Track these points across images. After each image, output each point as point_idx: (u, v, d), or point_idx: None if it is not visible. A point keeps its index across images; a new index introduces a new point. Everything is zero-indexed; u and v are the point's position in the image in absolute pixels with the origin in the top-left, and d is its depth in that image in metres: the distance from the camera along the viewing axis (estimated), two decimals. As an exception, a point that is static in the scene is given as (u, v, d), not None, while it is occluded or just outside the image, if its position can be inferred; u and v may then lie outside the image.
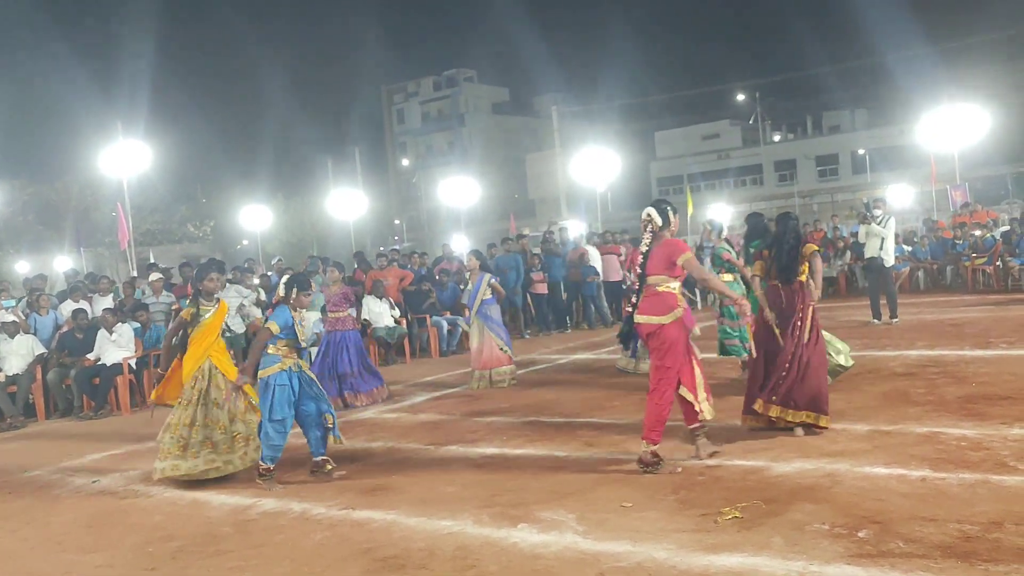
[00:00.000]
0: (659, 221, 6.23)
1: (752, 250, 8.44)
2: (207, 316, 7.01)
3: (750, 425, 6.87)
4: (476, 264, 10.88)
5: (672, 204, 6.41)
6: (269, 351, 6.59)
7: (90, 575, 5.16)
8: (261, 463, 6.62)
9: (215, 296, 7.15)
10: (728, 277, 9.14)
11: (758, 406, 6.72)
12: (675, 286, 6.14)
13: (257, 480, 6.60)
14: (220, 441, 6.82)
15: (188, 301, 7.20)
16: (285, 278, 6.84)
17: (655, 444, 5.98)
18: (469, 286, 10.91)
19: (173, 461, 6.77)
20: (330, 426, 6.69)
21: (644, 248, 6.25)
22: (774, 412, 6.65)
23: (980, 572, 3.94)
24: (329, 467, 6.70)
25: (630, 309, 6.18)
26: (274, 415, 6.53)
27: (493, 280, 10.80)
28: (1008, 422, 6.43)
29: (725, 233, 10.08)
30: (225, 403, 6.82)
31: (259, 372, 6.61)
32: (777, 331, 6.75)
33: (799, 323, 6.72)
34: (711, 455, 6.14)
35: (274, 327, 6.55)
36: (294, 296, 6.69)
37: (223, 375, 6.95)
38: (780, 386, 6.62)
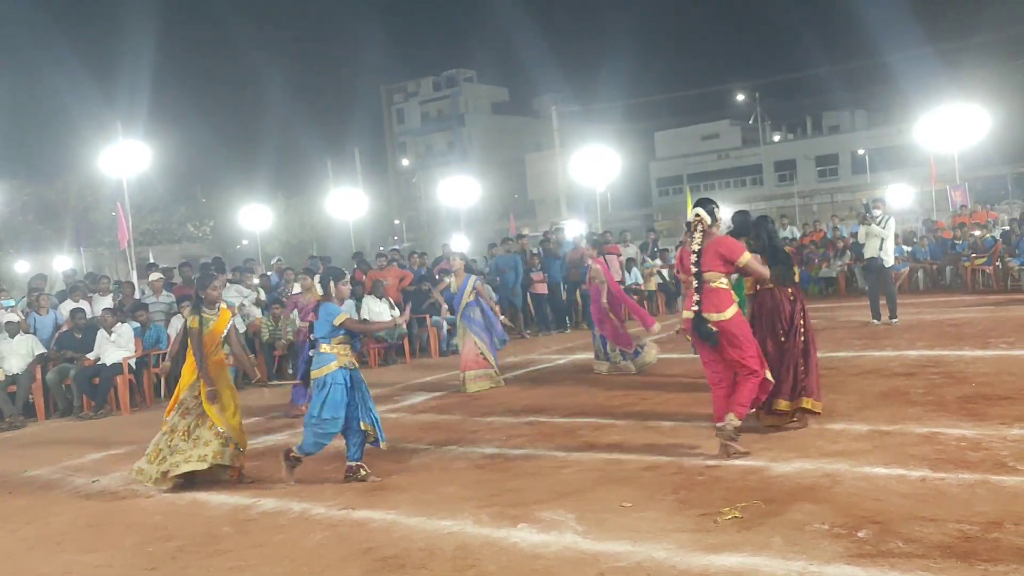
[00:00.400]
0: (708, 220, 6.39)
1: None
2: (210, 325, 6.95)
3: (769, 423, 6.95)
4: (461, 265, 10.81)
5: (716, 202, 6.59)
6: (323, 349, 6.52)
7: (90, 575, 5.16)
8: (295, 449, 6.59)
9: (217, 305, 7.09)
10: None
11: (784, 405, 6.84)
12: (725, 282, 6.37)
13: (283, 462, 6.59)
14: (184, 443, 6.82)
15: (190, 309, 7.14)
16: (318, 277, 6.81)
17: (742, 419, 6.26)
18: (453, 288, 10.80)
19: (145, 465, 6.83)
20: (368, 433, 6.60)
21: (696, 247, 6.35)
22: (807, 404, 6.84)
23: (979, 572, 3.94)
24: (363, 472, 6.56)
25: (696, 308, 6.27)
26: (324, 413, 6.45)
27: (479, 282, 10.74)
28: (1007, 422, 6.44)
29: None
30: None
31: (313, 372, 6.54)
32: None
33: (801, 321, 6.95)
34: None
35: (345, 316, 6.54)
36: (334, 289, 6.67)
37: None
38: (800, 381, 6.82)
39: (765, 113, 61.58)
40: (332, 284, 6.69)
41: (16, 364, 11.30)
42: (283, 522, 5.75)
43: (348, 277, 6.94)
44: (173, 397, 7.10)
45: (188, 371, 6.97)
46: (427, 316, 14.99)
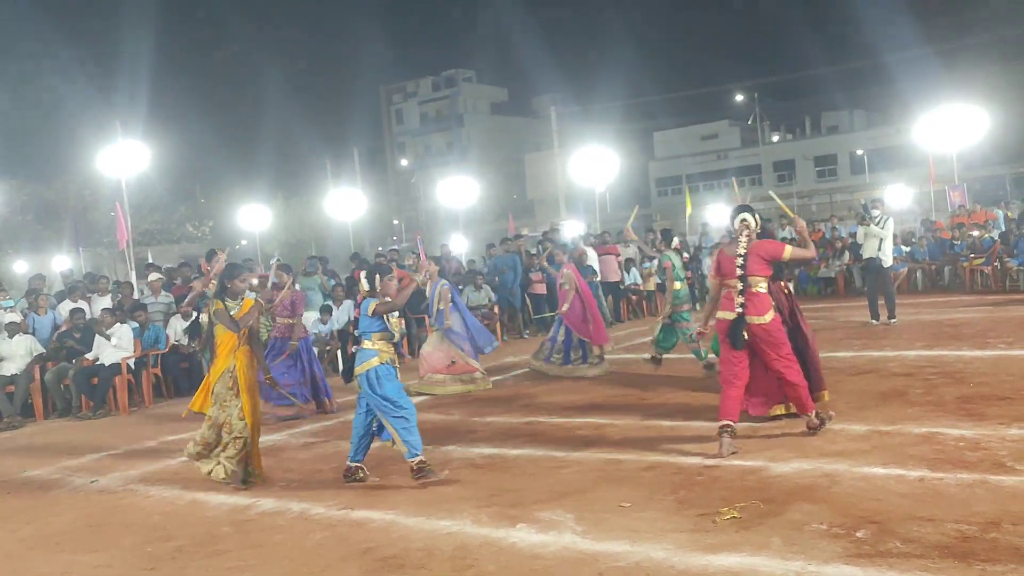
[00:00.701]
0: (753, 224, 6.61)
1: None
2: (232, 314, 6.73)
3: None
4: (435, 270, 10.66)
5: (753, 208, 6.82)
6: (365, 345, 6.45)
7: (89, 575, 5.17)
8: (412, 460, 6.28)
9: (240, 297, 6.87)
10: (677, 285, 10.21)
11: (826, 395, 7.14)
12: (764, 286, 6.55)
13: (415, 479, 6.24)
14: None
15: (214, 293, 6.95)
16: (364, 273, 6.72)
17: (814, 408, 6.63)
18: (428, 291, 10.73)
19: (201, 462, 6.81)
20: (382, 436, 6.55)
21: (743, 251, 6.47)
22: (824, 396, 7.13)
23: (977, 572, 3.95)
24: (362, 474, 6.51)
25: (740, 310, 6.39)
26: (402, 402, 6.36)
27: (444, 287, 10.56)
28: (1006, 422, 6.45)
29: (676, 243, 10.78)
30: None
31: (357, 368, 6.45)
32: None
33: (800, 315, 7.27)
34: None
35: (375, 303, 6.47)
36: (379, 285, 6.57)
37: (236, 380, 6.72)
38: (818, 373, 7.08)
39: (764, 113, 61.62)
40: (378, 279, 6.58)
41: (15, 364, 11.30)
42: (282, 522, 5.75)
43: (394, 273, 6.84)
44: (201, 388, 6.92)
45: (220, 363, 6.77)
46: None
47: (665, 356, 10.37)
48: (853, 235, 16.31)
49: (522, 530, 5.09)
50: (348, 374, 6.55)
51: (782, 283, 7.29)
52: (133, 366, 11.60)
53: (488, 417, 8.68)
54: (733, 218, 6.72)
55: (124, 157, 17.91)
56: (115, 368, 11.28)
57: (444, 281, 10.76)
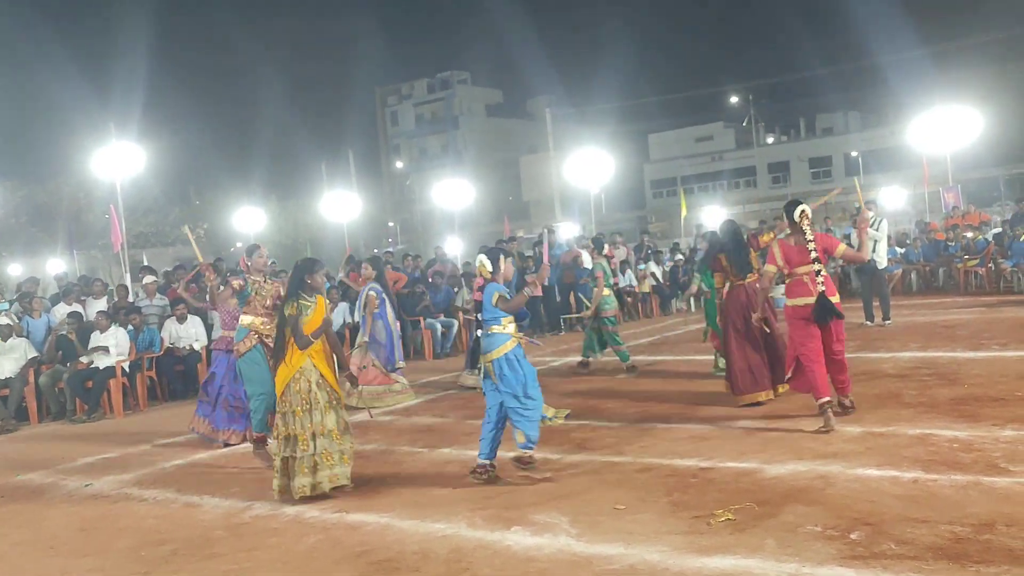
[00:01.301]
0: (811, 217, 7.27)
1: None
2: (307, 313, 6.36)
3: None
4: (372, 274, 10.24)
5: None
6: (495, 330, 6.16)
7: (83, 579, 5.15)
8: (525, 451, 6.13)
9: (315, 293, 6.53)
10: (607, 291, 10.86)
11: (782, 388, 7.95)
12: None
13: (520, 471, 6.16)
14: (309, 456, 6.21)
15: (287, 295, 6.50)
16: (486, 255, 6.34)
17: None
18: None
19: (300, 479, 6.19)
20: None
21: (812, 238, 7.07)
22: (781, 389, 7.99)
23: (971, 573, 3.95)
24: (491, 473, 6.23)
25: (822, 289, 6.98)
26: (530, 391, 6.12)
27: (371, 292, 10.14)
28: (1000, 424, 6.46)
29: (607, 250, 10.93)
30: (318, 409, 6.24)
31: (488, 355, 6.15)
32: (766, 327, 7.97)
33: (771, 313, 8.16)
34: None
35: (498, 294, 6.17)
36: (503, 266, 6.28)
37: (323, 378, 6.35)
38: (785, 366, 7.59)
39: (759, 115, 61.75)
40: (502, 260, 6.30)
41: (9, 368, 11.28)
42: (276, 525, 5.74)
43: (513, 257, 6.60)
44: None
45: (284, 372, 6.33)
46: (421, 319, 14.99)
47: (663, 359, 10.38)
48: (847, 236, 16.34)
49: (517, 533, 5.09)
50: (475, 361, 6.29)
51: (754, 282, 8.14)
52: (128, 369, 11.57)
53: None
54: (791, 212, 7.20)
55: (118, 159, 17.88)
56: (110, 371, 11.25)
57: (375, 286, 10.25)
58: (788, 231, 7.39)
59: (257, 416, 7.61)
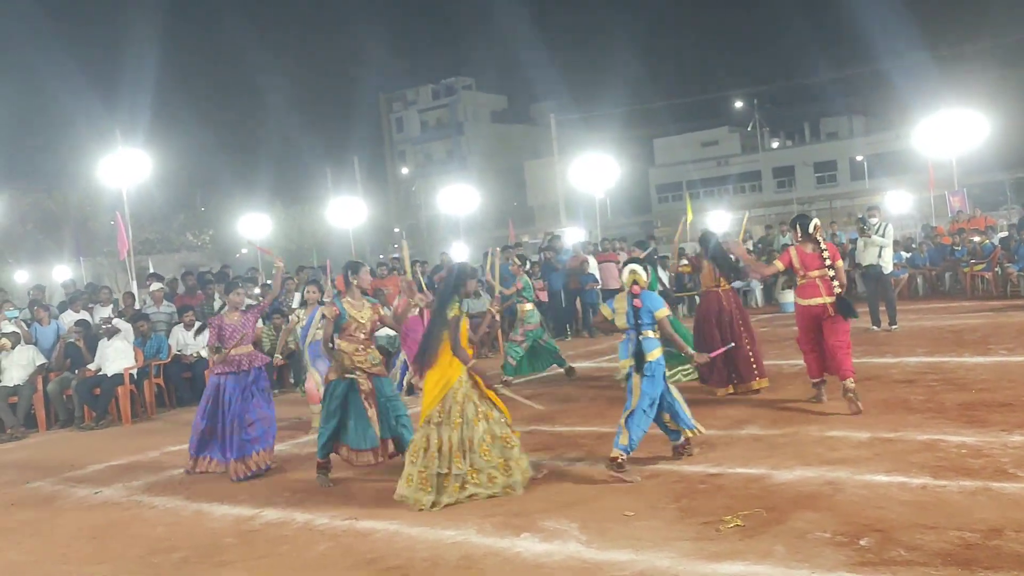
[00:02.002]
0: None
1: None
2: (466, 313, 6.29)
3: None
4: (316, 297, 9.68)
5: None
6: (650, 335, 6.43)
7: (94, 586, 5.18)
8: (622, 454, 6.17)
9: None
10: (529, 306, 11.37)
11: (731, 389, 8.92)
12: None
13: (611, 472, 6.14)
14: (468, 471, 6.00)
15: (446, 299, 6.26)
16: (638, 263, 6.68)
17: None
18: (302, 321, 9.62)
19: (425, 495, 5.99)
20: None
21: (825, 246, 8.03)
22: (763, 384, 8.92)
23: (981, 580, 3.96)
24: (689, 448, 6.59)
25: (839, 291, 7.89)
26: (652, 405, 6.38)
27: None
28: (1008, 429, 6.45)
29: (527, 266, 11.54)
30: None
31: (650, 354, 6.36)
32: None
33: (741, 319, 9.09)
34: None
35: (666, 312, 6.56)
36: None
37: (475, 386, 6.18)
38: (748, 366, 8.88)
39: (764, 120, 61.66)
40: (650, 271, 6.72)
41: (17, 375, 11.32)
42: (287, 533, 5.76)
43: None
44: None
45: (440, 378, 6.13)
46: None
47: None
48: (853, 241, 16.32)
49: (526, 539, 5.10)
50: (641, 361, 6.36)
51: (728, 289, 9.20)
52: (135, 376, 11.61)
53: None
54: (806, 225, 8.15)
55: (125, 166, 17.94)
56: (117, 378, 11.29)
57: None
58: (799, 240, 8.20)
59: (320, 441, 6.96)
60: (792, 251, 8.16)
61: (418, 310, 10.46)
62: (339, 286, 10.54)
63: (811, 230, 8.11)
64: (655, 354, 6.37)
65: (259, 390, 7.76)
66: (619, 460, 6.16)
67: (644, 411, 6.32)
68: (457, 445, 5.98)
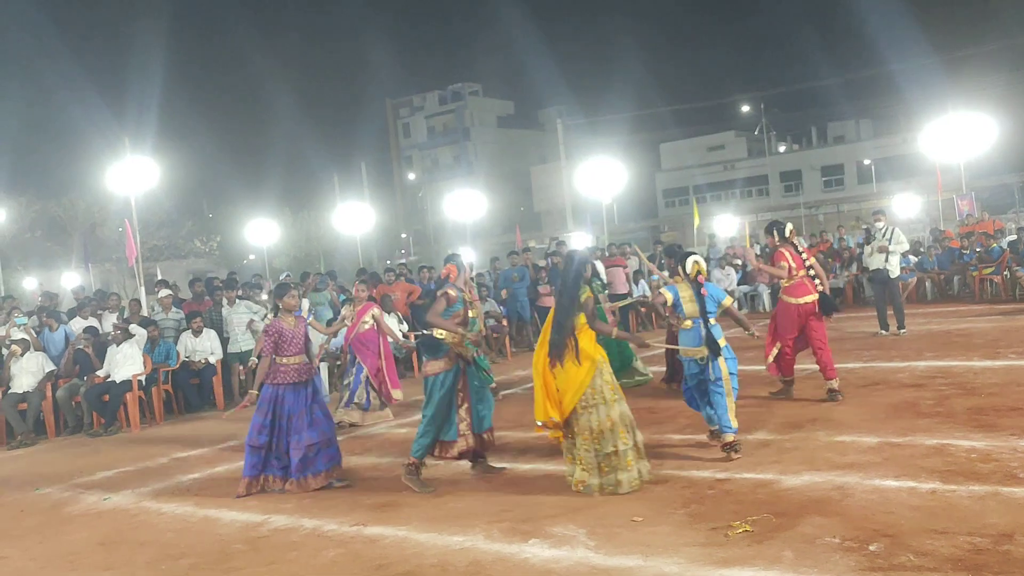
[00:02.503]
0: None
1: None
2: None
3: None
4: (364, 296, 10.01)
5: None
6: (715, 323, 6.89)
7: (104, 593, 5.19)
8: (727, 435, 6.66)
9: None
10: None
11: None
12: None
13: (730, 454, 6.60)
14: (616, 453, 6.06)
15: (576, 284, 6.28)
16: (694, 258, 7.05)
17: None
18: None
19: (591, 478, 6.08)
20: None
21: (803, 250, 8.76)
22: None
23: (991, 585, 3.94)
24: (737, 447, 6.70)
25: (822, 289, 8.56)
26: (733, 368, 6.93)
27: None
28: (1018, 433, 6.43)
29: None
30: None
31: (721, 339, 6.83)
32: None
33: None
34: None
35: (730, 300, 7.18)
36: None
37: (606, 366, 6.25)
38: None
39: (770, 124, 61.59)
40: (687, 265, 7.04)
41: (27, 382, 11.36)
42: (295, 539, 5.77)
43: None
44: (544, 396, 6.29)
45: (587, 364, 6.14)
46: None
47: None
48: (860, 245, 16.31)
49: (535, 545, 5.10)
50: (714, 346, 6.71)
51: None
52: (144, 382, 11.64)
53: (498, 432, 8.66)
54: (783, 229, 8.74)
55: (133, 173, 17.98)
56: (126, 385, 11.32)
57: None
58: (777, 244, 8.75)
59: (425, 440, 6.79)
60: (787, 253, 8.66)
61: (368, 325, 10.19)
62: (356, 294, 10.62)
63: (787, 234, 8.73)
64: (723, 340, 6.85)
65: (318, 403, 7.33)
66: (730, 440, 6.67)
67: (735, 388, 6.91)
68: (619, 420, 6.09)
